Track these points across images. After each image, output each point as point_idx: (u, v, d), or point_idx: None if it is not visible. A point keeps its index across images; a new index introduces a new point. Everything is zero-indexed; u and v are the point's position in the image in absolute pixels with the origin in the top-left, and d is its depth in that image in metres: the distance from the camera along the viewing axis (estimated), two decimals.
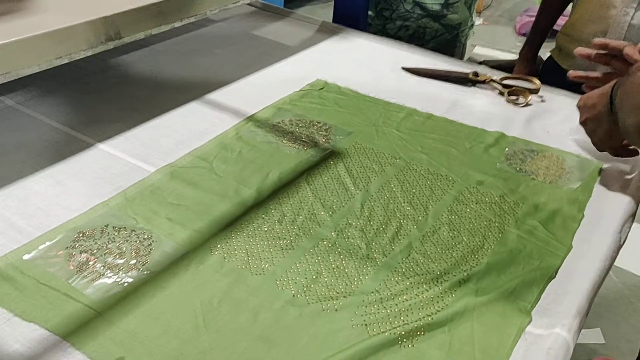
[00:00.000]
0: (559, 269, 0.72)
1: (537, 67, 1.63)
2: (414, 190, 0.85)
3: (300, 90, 1.12)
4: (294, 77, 1.16)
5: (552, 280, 0.71)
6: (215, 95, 1.09)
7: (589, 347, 1.77)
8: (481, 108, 1.09)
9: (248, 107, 1.05)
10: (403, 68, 1.22)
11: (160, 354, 0.59)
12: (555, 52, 1.50)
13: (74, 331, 0.61)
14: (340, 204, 0.82)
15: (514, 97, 1.12)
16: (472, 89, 1.17)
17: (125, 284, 0.67)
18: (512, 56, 3.45)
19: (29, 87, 1.05)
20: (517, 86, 1.14)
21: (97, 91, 1.08)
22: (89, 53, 0.86)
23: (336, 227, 0.77)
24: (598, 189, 0.88)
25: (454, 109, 1.08)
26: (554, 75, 1.37)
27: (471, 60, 3.20)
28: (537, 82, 1.15)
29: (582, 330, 1.76)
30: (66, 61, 0.83)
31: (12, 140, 0.91)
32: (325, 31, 1.39)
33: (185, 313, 0.64)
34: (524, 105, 1.10)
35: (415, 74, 1.21)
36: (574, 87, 1.07)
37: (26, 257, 0.70)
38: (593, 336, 1.81)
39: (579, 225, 0.80)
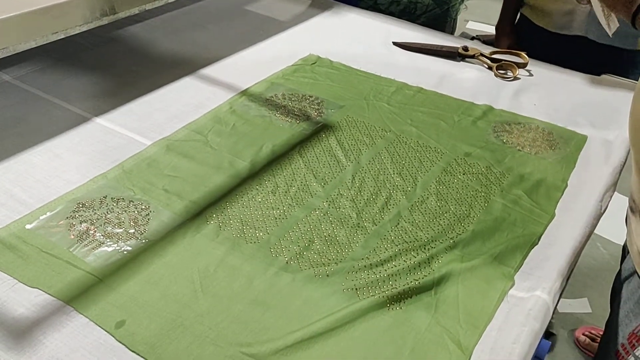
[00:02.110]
0: (541, 235, 0.75)
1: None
2: (403, 162, 0.88)
3: (292, 65, 1.14)
4: (286, 52, 1.18)
5: (535, 247, 0.74)
6: (208, 70, 1.11)
7: (576, 316, 1.82)
8: (470, 82, 1.12)
9: (241, 81, 1.07)
10: (394, 43, 1.24)
11: (159, 317, 0.62)
12: (527, 10, 1.46)
13: (76, 296, 0.64)
14: (332, 175, 0.84)
15: (502, 71, 1.15)
16: (462, 63, 1.18)
17: (125, 252, 0.70)
18: None
19: (25, 63, 1.07)
20: (506, 60, 1.16)
21: (92, 66, 1.09)
22: (84, 28, 0.87)
23: (328, 198, 0.80)
24: (582, 159, 0.90)
25: (443, 82, 1.10)
26: (528, 34, 1.38)
27: (464, 35, 3.21)
28: (525, 56, 1.17)
29: (569, 300, 1.81)
30: (62, 36, 0.85)
31: (10, 115, 0.93)
32: (318, 6, 1.40)
33: (183, 279, 0.67)
34: (512, 79, 1.13)
35: (406, 48, 1.23)
36: (551, 47, 1.07)
37: (28, 226, 0.72)
38: (579, 306, 1.86)
39: (562, 194, 0.83)
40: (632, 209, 0.75)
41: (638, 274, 0.74)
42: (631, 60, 1.30)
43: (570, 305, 1.84)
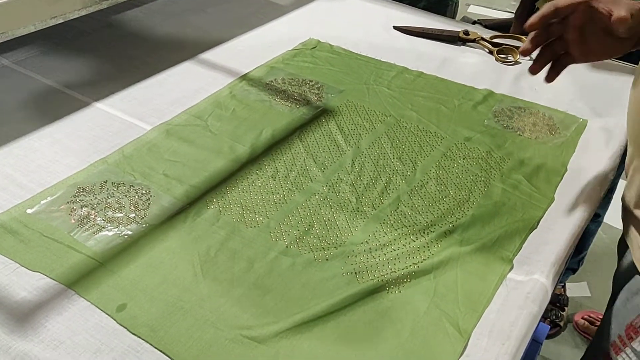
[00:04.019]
0: (540, 220, 0.76)
1: None
2: (403, 147, 0.88)
3: (292, 50, 1.13)
4: (286, 36, 1.17)
5: (534, 231, 0.74)
6: (208, 55, 1.10)
7: (575, 300, 1.82)
8: (471, 66, 1.11)
9: (241, 66, 1.06)
10: (394, 27, 1.24)
11: (160, 300, 0.63)
12: (541, 2, 1.48)
13: (77, 280, 0.64)
14: (332, 160, 0.84)
15: (503, 56, 1.14)
16: (462, 47, 1.18)
17: (126, 236, 0.70)
18: (507, 15, 3.44)
19: (24, 47, 1.06)
20: (507, 45, 1.16)
21: (91, 51, 1.09)
22: (83, 13, 0.87)
23: (327, 182, 0.80)
24: (582, 144, 0.90)
25: (444, 67, 1.10)
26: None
27: (466, 20, 3.19)
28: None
29: (569, 284, 1.81)
30: (61, 21, 0.85)
31: (10, 99, 0.93)
32: None
33: (184, 263, 0.67)
34: (513, 64, 1.12)
35: (407, 33, 1.22)
36: None
37: (29, 211, 0.72)
38: (579, 290, 1.87)
39: (561, 179, 0.83)
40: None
41: (638, 270, 0.74)
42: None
43: (570, 289, 1.85)
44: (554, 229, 0.74)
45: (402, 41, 1.19)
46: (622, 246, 0.83)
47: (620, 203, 0.79)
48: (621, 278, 0.80)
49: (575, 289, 1.87)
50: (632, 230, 0.75)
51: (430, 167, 0.84)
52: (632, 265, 0.75)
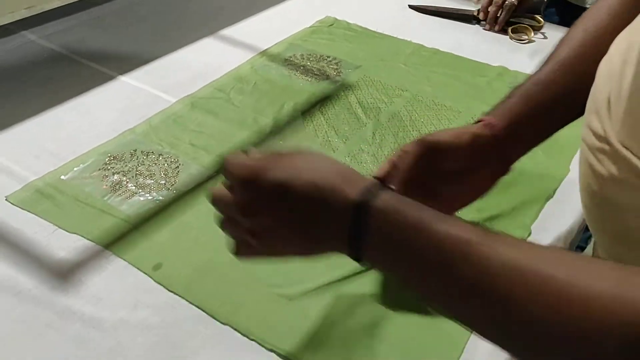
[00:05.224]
0: (556, 190, 0.78)
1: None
2: (421, 120, 0.90)
3: (310, 27, 1.15)
4: (303, 14, 1.19)
5: (550, 200, 0.76)
6: (227, 32, 1.12)
7: None
8: (485, 45, 1.13)
9: (260, 42, 1.08)
10: (410, 6, 1.25)
11: (193, 261, 0.65)
12: None
13: (113, 242, 0.67)
14: (353, 132, 0.87)
15: (517, 35, 1.16)
16: (477, 26, 1.20)
17: (157, 202, 0.73)
18: None
19: (50, 23, 1.08)
20: (521, 23, 1.17)
21: (113, 27, 1.11)
22: None
23: (350, 153, 0.83)
24: None
25: (459, 45, 1.12)
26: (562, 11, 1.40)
27: None
28: (541, 19, 1.18)
29: None
30: None
31: (38, 73, 0.96)
32: None
33: (214, 227, 0.69)
34: (527, 42, 1.14)
35: (422, 11, 1.24)
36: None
37: (63, 177, 0.75)
38: None
39: (576, 152, 0.85)
40: None
41: None
42: None
43: None
44: (570, 199, 0.77)
45: (417, 20, 1.21)
46: None
47: None
48: None
49: None
50: None
51: None
52: None
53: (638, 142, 0.48)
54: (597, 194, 0.54)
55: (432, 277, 0.38)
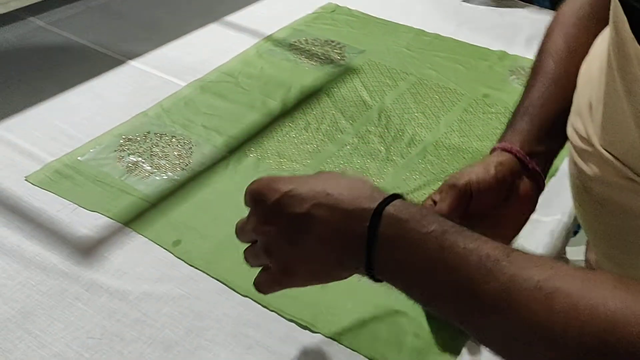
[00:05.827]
0: (559, 167, 0.81)
1: None
2: (425, 102, 0.92)
3: (312, 13, 1.17)
4: (305, 1, 1.21)
5: (553, 177, 0.79)
6: (231, 18, 1.14)
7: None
8: (486, 29, 1.15)
9: (264, 28, 1.10)
10: None
11: (212, 237, 0.68)
12: None
13: (132, 219, 0.69)
14: (359, 113, 0.89)
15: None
16: (475, 9, 1.22)
17: (173, 181, 0.75)
18: None
19: (58, 9, 1.09)
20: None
21: (119, 13, 1.13)
22: None
23: (357, 134, 0.85)
24: None
25: (459, 29, 1.14)
26: None
27: None
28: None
29: (568, 248, 1.84)
30: None
31: (47, 58, 0.97)
32: None
33: (230, 204, 0.71)
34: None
35: None
36: None
37: (80, 158, 0.77)
38: (577, 253, 1.93)
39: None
40: None
41: None
42: None
43: (569, 253, 1.91)
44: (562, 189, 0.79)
45: (417, 5, 1.23)
46: None
47: None
48: None
49: (573, 253, 1.94)
50: None
51: (453, 120, 0.89)
52: None
53: (618, 146, 0.50)
54: (584, 191, 0.56)
55: (453, 291, 0.38)
